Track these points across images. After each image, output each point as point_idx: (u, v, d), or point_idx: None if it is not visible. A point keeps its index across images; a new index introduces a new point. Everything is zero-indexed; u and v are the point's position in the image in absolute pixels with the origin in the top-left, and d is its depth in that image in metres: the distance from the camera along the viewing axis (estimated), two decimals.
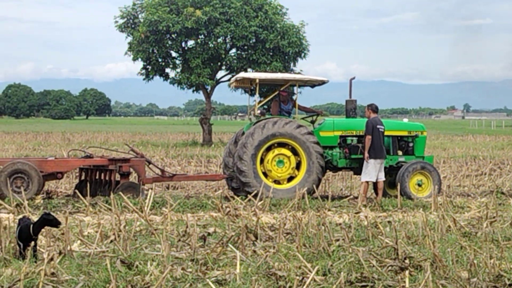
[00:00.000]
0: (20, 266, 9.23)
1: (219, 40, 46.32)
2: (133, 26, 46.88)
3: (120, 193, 15.58)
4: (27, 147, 40.18)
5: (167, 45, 46.08)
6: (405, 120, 21.15)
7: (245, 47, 46.48)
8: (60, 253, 9.87)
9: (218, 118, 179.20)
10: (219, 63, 47.21)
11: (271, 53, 45.88)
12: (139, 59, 46.48)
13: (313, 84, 19.38)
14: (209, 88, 48.00)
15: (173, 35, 45.94)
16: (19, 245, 10.04)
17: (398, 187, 17.41)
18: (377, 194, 17.61)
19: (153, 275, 8.79)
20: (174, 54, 47.54)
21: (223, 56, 46.35)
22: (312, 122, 19.57)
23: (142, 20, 45.74)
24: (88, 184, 17.31)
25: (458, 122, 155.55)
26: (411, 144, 19.15)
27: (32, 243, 9.80)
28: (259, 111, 18.93)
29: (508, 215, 14.50)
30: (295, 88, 19.23)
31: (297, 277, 8.56)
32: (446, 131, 77.55)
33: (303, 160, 18.13)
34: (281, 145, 18.26)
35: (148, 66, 47.40)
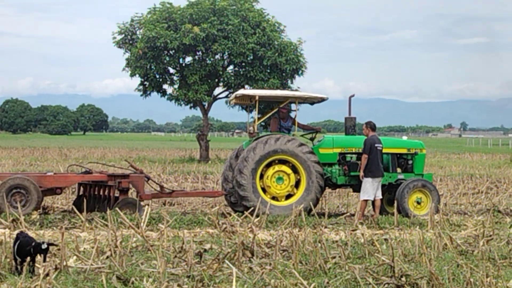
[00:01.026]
0: (15, 282, 9.20)
1: (217, 56, 46.39)
2: (131, 42, 46.96)
3: (117, 209, 15.54)
4: (24, 162, 40.15)
5: (165, 61, 46.13)
6: (404, 137, 21.20)
7: (243, 64, 46.54)
8: (56, 268, 9.84)
9: (216, 135, 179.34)
10: (216, 80, 47.24)
11: (268, 70, 45.94)
12: (137, 75, 46.53)
13: (312, 101, 19.40)
14: (206, 104, 48.02)
15: (171, 52, 46.01)
16: (16, 260, 10.01)
17: (396, 203, 17.41)
18: (374, 211, 17.60)
19: None
20: (171, 70, 47.61)
21: (221, 72, 46.40)
22: (312, 139, 19.57)
23: (140, 36, 45.83)
24: (86, 200, 17.28)
25: (455, 140, 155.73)
26: (410, 162, 19.15)
27: (28, 258, 9.76)
28: (251, 128, 18.94)
29: (505, 234, 14.50)
30: (293, 105, 19.20)
31: None
32: (443, 149, 77.62)
33: (303, 179, 18.11)
34: (282, 162, 18.24)
35: (145, 82, 47.44)
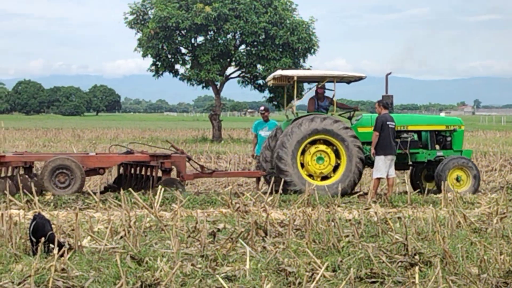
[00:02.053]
0: (30, 262, 9.26)
1: (229, 36, 46.33)
2: (142, 22, 46.93)
3: (162, 187, 15.80)
4: (37, 143, 40.31)
5: (177, 41, 46.09)
6: (442, 114, 21.29)
7: (255, 43, 46.45)
8: (70, 248, 9.89)
9: (228, 114, 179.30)
10: (228, 59, 47.21)
11: (280, 49, 45.85)
12: (149, 56, 46.55)
13: (349, 80, 19.32)
14: (218, 84, 48.03)
15: (182, 31, 45.96)
16: (32, 241, 10.07)
17: (436, 181, 17.91)
18: (388, 190, 17.58)
19: (163, 271, 8.80)
20: (183, 50, 47.59)
21: (233, 52, 46.35)
22: (350, 118, 19.53)
23: (151, 16, 45.81)
24: (127, 179, 17.71)
25: (468, 118, 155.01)
26: (449, 139, 19.25)
27: (43, 239, 9.80)
28: (289, 110, 19.14)
29: None
30: (332, 84, 19.11)
31: (307, 273, 8.57)
32: None
33: (342, 155, 18.12)
34: (320, 141, 18.25)
35: (157, 63, 47.46)
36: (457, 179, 18.22)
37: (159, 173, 17.58)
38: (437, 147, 19.31)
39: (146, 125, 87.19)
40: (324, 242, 10.56)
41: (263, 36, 45.70)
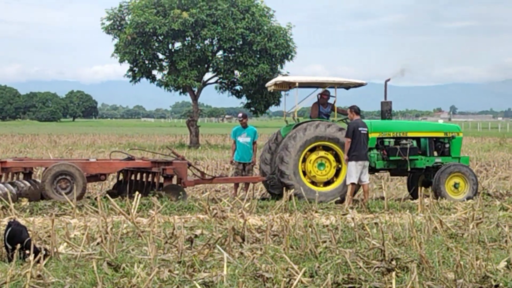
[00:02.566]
0: (6, 269, 9.19)
1: (206, 42, 46.33)
2: (119, 28, 46.83)
3: (162, 193, 16.23)
4: (13, 149, 40.03)
5: (154, 47, 46.04)
6: (440, 121, 21.55)
7: (232, 49, 46.48)
8: (46, 255, 9.82)
9: (205, 120, 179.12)
10: (206, 65, 47.20)
11: (258, 55, 45.91)
12: (126, 61, 46.44)
13: (349, 86, 19.48)
14: (196, 90, 47.99)
15: (159, 37, 45.90)
16: (7, 248, 9.99)
17: (433, 188, 18.19)
18: (364, 196, 17.63)
19: (139, 277, 8.76)
20: (160, 56, 47.52)
21: (210, 58, 46.33)
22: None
23: (128, 22, 45.70)
24: (127, 186, 17.81)
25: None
26: (447, 145, 19.45)
27: (19, 245, 9.72)
28: (290, 115, 19.33)
29: (494, 217, 14.56)
30: (332, 90, 19.30)
31: (284, 279, 8.56)
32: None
33: (344, 165, 18.20)
34: (325, 148, 18.45)
35: (134, 68, 47.36)
36: (455, 186, 18.45)
37: (161, 180, 17.67)
38: (435, 153, 19.53)
39: (123, 131, 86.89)
40: (302, 248, 10.56)
41: (241, 42, 45.75)
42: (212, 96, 59.95)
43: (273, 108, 60.56)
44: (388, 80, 19.81)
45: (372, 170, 19.11)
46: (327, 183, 18.42)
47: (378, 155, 18.88)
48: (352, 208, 16.33)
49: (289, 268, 9.19)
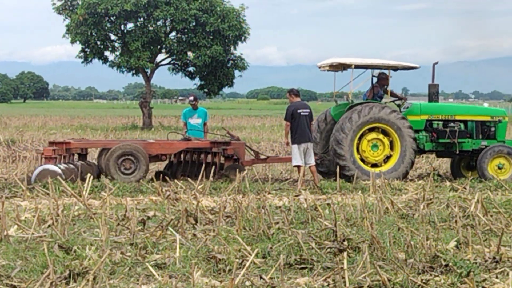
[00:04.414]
0: None
1: (159, 23, 46.06)
2: (71, 8, 46.31)
3: (226, 172, 16.86)
4: None
5: (106, 27, 45.65)
6: (485, 105, 21.88)
7: (185, 30, 46.28)
8: None
9: (158, 102, 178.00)
10: (159, 46, 46.93)
11: (211, 37, 45.79)
12: (78, 42, 45.98)
13: (397, 68, 19.71)
14: (149, 71, 47.73)
15: (112, 18, 45.51)
16: None
17: (477, 167, 18.67)
18: (314, 177, 17.70)
19: (91, 259, 8.71)
20: (113, 37, 47.18)
21: (163, 39, 46.07)
22: (398, 106, 19.93)
23: (80, 2, 45.20)
24: (188, 166, 18.24)
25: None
26: (493, 129, 19.72)
27: None
28: (337, 97, 19.73)
29: (444, 197, 14.75)
30: (386, 72, 19.50)
31: (237, 260, 8.59)
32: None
33: (397, 144, 18.60)
34: (371, 129, 18.70)
35: (86, 49, 46.93)
36: (499, 167, 18.76)
37: (222, 160, 17.95)
38: (481, 136, 19.79)
39: (75, 112, 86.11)
40: (254, 229, 10.59)
41: (194, 23, 45.57)
42: (165, 77, 59.66)
43: (226, 90, 60.61)
44: (436, 63, 20.38)
45: (421, 151, 19.49)
46: (374, 165, 18.68)
47: (426, 137, 19.23)
48: (304, 189, 16.40)
49: (241, 249, 9.21)
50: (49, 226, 10.83)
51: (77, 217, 12.11)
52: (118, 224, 11.22)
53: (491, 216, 12.12)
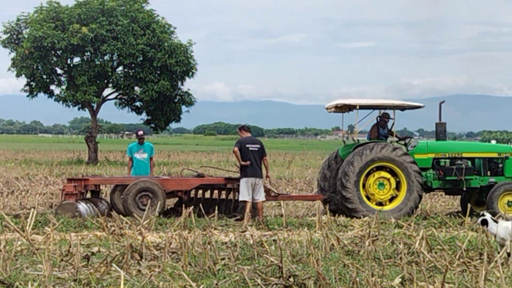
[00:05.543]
0: None
1: (106, 57, 45.90)
2: (17, 41, 45.94)
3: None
4: None
5: (52, 61, 45.32)
6: (493, 142, 22.01)
7: (133, 65, 46.19)
8: None
9: (105, 136, 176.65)
10: (105, 81, 46.71)
11: (158, 72, 45.76)
12: (23, 76, 45.55)
13: (404, 108, 19.87)
14: (95, 105, 47.41)
15: (58, 52, 45.23)
16: None
17: (486, 205, 18.71)
18: (259, 214, 17.66)
19: None
20: (59, 71, 46.81)
21: (110, 73, 45.88)
22: (405, 145, 20.04)
23: (26, 36, 44.84)
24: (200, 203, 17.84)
25: (341, 142, 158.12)
26: (500, 165, 19.85)
27: None
28: (347, 136, 20.33)
29: (390, 234, 14.84)
30: (389, 112, 19.73)
31: None
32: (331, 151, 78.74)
33: (403, 181, 18.77)
34: (379, 168, 18.86)
35: (32, 83, 46.48)
36: (508, 204, 18.93)
37: (236, 196, 17.96)
38: (489, 173, 19.94)
39: (19, 146, 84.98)
40: (200, 265, 10.54)
41: (141, 58, 45.51)
42: (112, 112, 59.35)
43: (173, 125, 60.45)
44: (443, 102, 20.55)
45: (428, 189, 19.63)
46: (390, 200, 18.84)
47: (434, 175, 19.39)
48: (251, 225, 16.39)
49: (187, 286, 9.15)
50: None
51: (20, 252, 11.91)
52: (62, 260, 11.06)
53: (436, 253, 12.25)
